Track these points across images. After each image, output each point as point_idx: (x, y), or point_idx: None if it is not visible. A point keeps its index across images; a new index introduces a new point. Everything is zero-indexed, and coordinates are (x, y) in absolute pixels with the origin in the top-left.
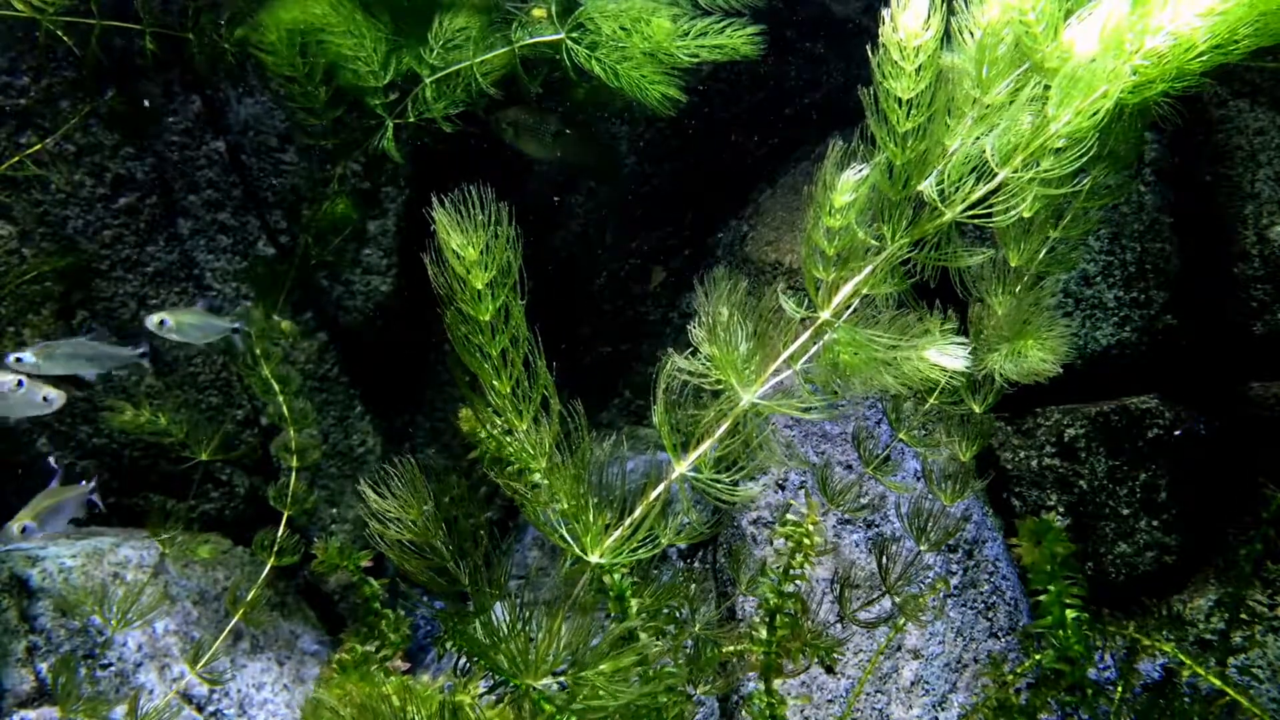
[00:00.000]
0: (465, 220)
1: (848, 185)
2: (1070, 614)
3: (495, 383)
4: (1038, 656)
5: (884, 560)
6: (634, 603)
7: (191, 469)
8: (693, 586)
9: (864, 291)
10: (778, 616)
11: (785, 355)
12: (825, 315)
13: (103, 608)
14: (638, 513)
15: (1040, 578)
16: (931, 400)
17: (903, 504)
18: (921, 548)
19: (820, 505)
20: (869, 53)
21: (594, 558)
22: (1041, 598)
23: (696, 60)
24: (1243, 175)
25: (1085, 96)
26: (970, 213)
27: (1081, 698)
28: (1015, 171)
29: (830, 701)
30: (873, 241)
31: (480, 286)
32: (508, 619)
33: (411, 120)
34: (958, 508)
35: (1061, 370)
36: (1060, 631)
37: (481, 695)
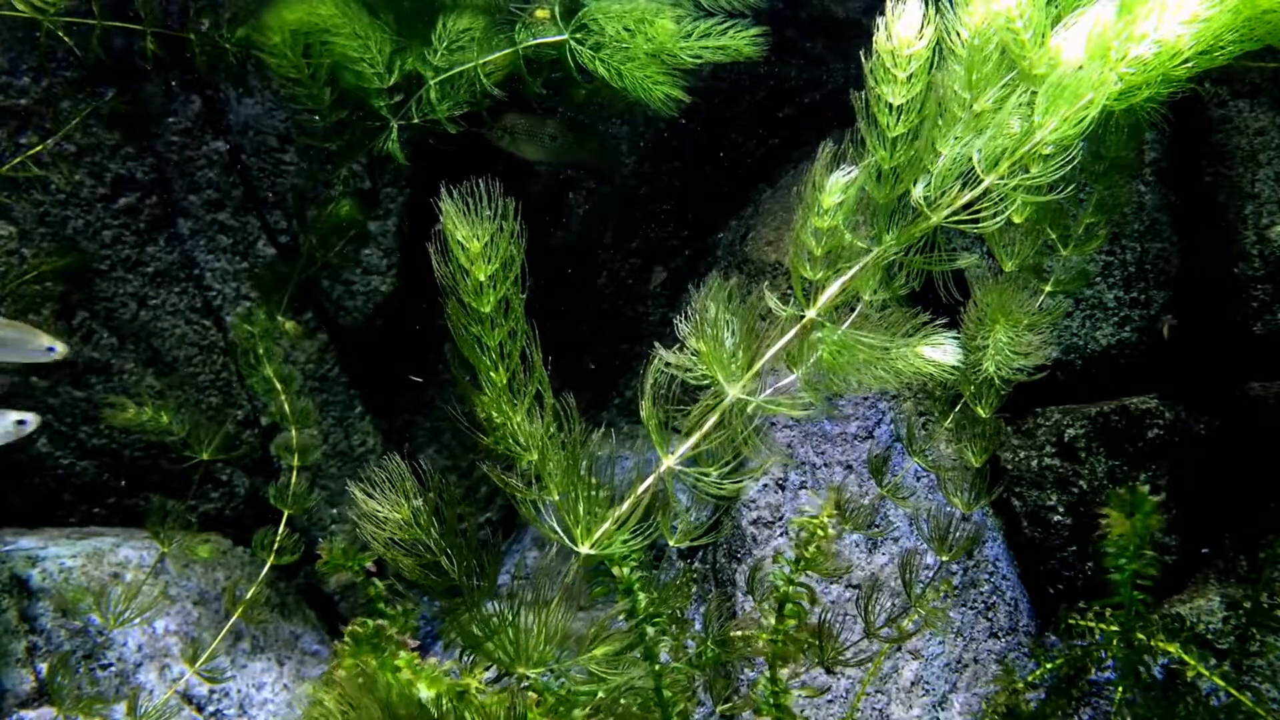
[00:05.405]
0: (471, 213)
1: (836, 187)
2: (1138, 595)
3: (493, 374)
4: (1049, 665)
5: (907, 575)
6: (642, 597)
7: (191, 469)
8: (693, 587)
9: (855, 293)
10: (786, 605)
11: (770, 353)
12: (811, 314)
13: (102, 607)
14: (625, 506)
15: (1114, 556)
16: (946, 424)
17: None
18: (943, 559)
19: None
20: (863, 57)
21: (583, 549)
22: (1112, 575)
23: (700, 61)
24: (1243, 175)
25: (1071, 104)
26: (956, 218)
27: (1135, 680)
28: (1001, 178)
29: (830, 701)
30: (860, 244)
31: (483, 279)
32: (498, 611)
33: (416, 121)
34: (957, 510)
35: (1054, 365)
36: (1125, 613)
37: (489, 683)
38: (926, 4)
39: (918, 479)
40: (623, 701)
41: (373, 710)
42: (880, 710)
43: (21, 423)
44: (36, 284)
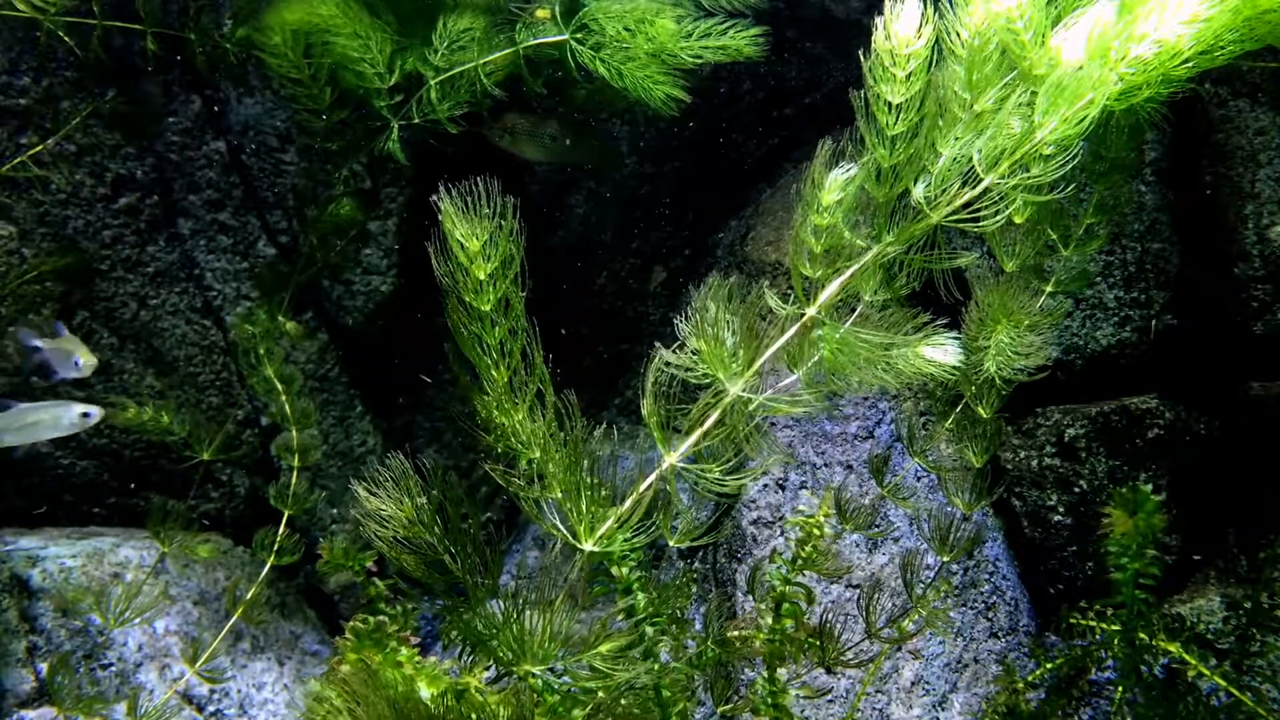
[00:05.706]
0: (470, 211)
1: (836, 184)
2: (1140, 594)
3: (493, 373)
4: (1049, 665)
5: (908, 575)
6: (642, 597)
7: (192, 469)
8: (694, 587)
9: (855, 293)
10: (783, 605)
11: (770, 352)
12: (811, 312)
13: (102, 607)
14: (627, 503)
15: (1116, 555)
16: (947, 425)
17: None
18: (944, 559)
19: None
20: (862, 56)
21: (587, 545)
22: (1114, 575)
23: (700, 61)
24: (1243, 175)
25: (1071, 104)
26: (956, 217)
27: (1136, 679)
28: (1002, 178)
29: (831, 701)
30: (860, 242)
31: (482, 277)
32: (503, 608)
33: (416, 121)
34: (957, 510)
35: (1054, 365)
36: (1126, 611)
37: (488, 683)
38: (925, 4)
39: (918, 479)
40: (623, 701)
41: (378, 706)
42: (880, 710)
43: (86, 415)
44: (36, 284)
